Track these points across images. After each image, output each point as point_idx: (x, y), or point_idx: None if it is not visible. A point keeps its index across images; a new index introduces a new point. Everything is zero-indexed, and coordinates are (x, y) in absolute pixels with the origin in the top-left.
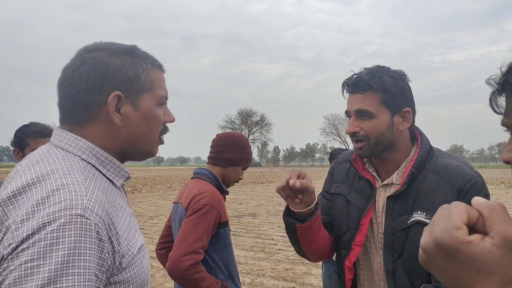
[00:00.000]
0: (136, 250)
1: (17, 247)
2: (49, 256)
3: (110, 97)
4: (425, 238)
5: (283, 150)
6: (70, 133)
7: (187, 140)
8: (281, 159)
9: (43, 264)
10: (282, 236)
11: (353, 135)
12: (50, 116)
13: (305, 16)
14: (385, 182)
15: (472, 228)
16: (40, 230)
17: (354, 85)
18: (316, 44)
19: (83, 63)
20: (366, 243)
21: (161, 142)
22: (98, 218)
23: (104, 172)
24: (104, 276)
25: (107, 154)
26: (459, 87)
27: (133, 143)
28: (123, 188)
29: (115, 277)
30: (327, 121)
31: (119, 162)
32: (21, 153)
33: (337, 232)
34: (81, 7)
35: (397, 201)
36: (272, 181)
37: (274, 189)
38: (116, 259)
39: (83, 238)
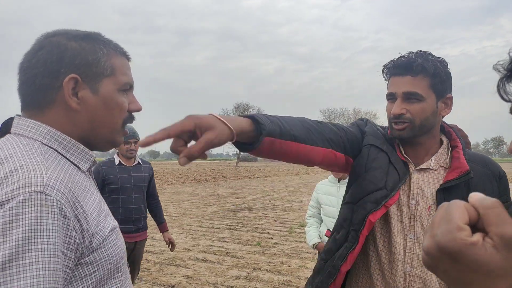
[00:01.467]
0: (108, 231)
1: None
2: (9, 233)
3: (65, 79)
4: (427, 241)
5: None
6: (29, 120)
7: None
8: None
9: (3, 241)
10: (278, 230)
11: (398, 117)
12: None
13: (300, 11)
14: (422, 166)
15: (474, 226)
16: None
17: (405, 67)
18: (312, 39)
19: (42, 47)
20: (390, 223)
21: (125, 132)
22: (60, 194)
23: (67, 157)
24: (74, 254)
25: (69, 138)
26: (454, 82)
27: (93, 130)
28: (91, 175)
29: (86, 258)
30: (323, 116)
31: (82, 146)
32: None
33: (370, 184)
34: (76, 2)
35: (450, 193)
36: (268, 175)
37: (270, 184)
38: (86, 238)
39: (44, 214)
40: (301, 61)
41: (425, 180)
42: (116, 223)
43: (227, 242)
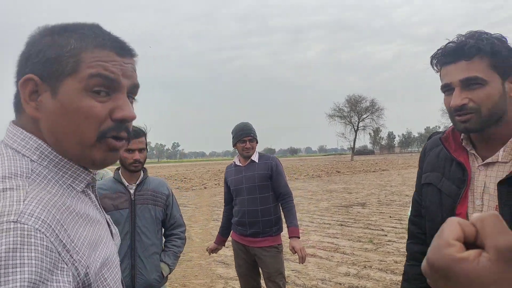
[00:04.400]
0: (98, 265)
1: None
2: None
3: (20, 81)
4: (423, 260)
5: (398, 136)
6: (20, 129)
7: (297, 131)
8: (396, 145)
9: None
10: (393, 227)
11: (460, 108)
12: None
13: None
14: (489, 160)
15: (474, 244)
16: None
17: (456, 52)
18: (434, 17)
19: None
20: None
21: (109, 146)
22: (39, 222)
23: (58, 177)
24: (76, 285)
25: (60, 156)
26: None
27: (57, 143)
28: (94, 192)
29: None
30: None
31: (75, 164)
32: None
33: (431, 224)
34: (199, 17)
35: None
36: (386, 169)
37: (388, 178)
38: (80, 270)
39: (19, 246)
40: (423, 42)
41: (493, 175)
42: (108, 253)
43: (337, 238)
